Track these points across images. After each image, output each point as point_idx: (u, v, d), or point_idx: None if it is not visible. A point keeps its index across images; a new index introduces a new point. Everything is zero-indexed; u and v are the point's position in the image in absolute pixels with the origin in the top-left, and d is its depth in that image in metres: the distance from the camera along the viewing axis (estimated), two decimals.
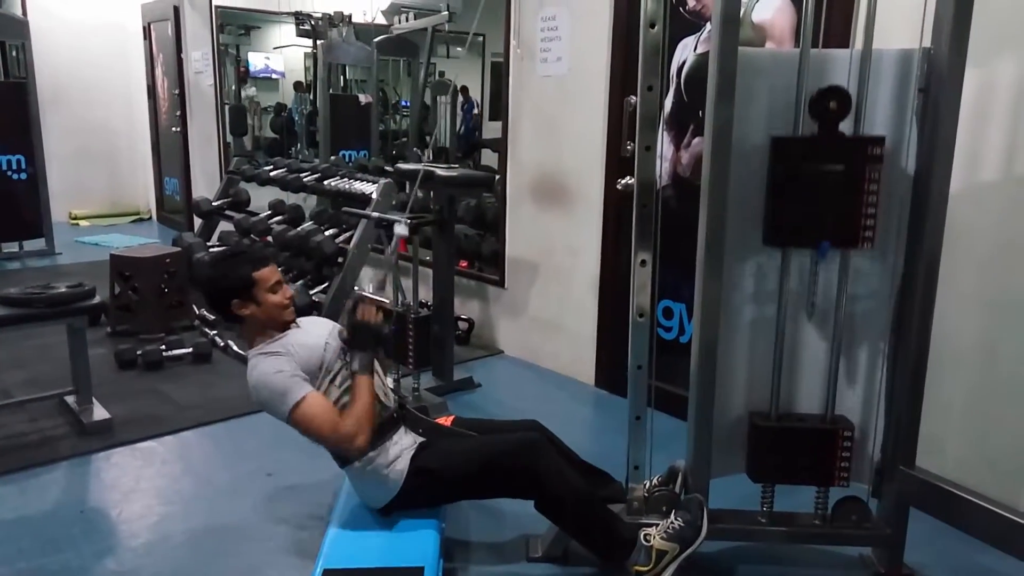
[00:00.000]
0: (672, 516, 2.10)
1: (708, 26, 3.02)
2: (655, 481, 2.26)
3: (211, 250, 5.11)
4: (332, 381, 2.09)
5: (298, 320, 2.22)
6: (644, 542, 2.06)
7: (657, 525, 2.10)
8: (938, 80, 1.92)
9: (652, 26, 1.98)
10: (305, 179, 5.00)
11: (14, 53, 6.64)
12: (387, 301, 2.22)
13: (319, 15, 7.24)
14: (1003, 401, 2.42)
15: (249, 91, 8.39)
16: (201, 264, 4.64)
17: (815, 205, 1.98)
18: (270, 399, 2.01)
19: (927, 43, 1.95)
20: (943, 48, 1.90)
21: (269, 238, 4.88)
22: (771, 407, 2.14)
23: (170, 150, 7.75)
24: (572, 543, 2.23)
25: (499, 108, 4.19)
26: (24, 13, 6.88)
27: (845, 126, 1.96)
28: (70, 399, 3.22)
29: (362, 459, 2.09)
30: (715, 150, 1.97)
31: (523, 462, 2.09)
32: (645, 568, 2.04)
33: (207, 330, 4.29)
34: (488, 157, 5.93)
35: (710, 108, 1.96)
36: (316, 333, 2.17)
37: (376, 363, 2.18)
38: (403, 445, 2.14)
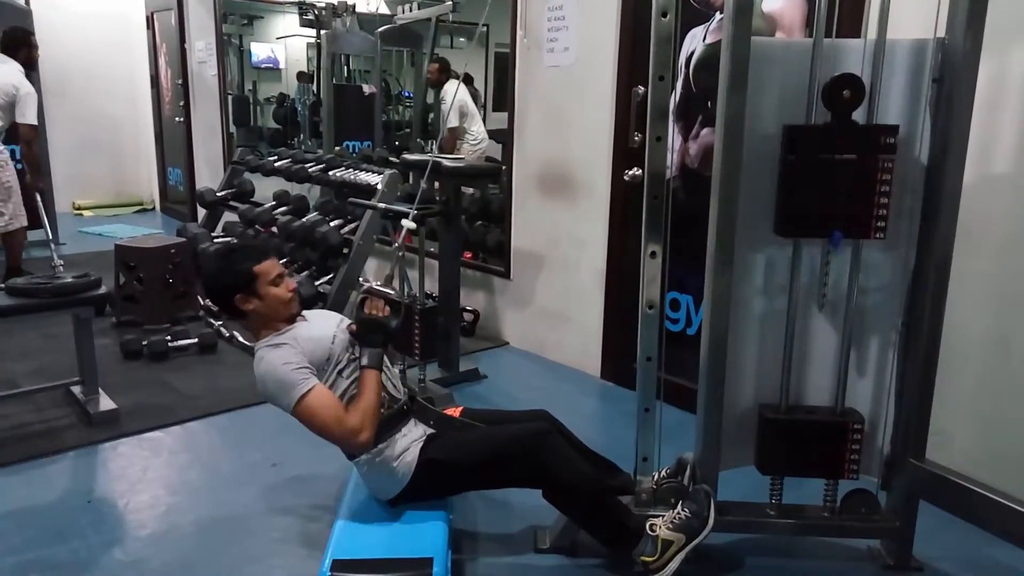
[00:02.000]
0: (679, 507, 2.10)
1: (717, 16, 3.00)
2: (663, 473, 2.26)
3: (215, 242, 5.10)
4: (340, 374, 2.08)
5: (304, 313, 2.21)
6: (650, 532, 2.06)
7: (664, 515, 2.10)
8: (952, 71, 1.91)
9: (664, 15, 1.96)
10: (310, 169, 4.99)
11: None
12: (393, 294, 2.21)
13: (323, 5, 7.22)
14: (1014, 394, 2.41)
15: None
16: (205, 259, 4.63)
17: (827, 194, 1.97)
18: (276, 391, 2.00)
19: (941, 33, 1.93)
20: (958, 38, 1.88)
21: (274, 229, 4.87)
22: (780, 399, 2.14)
23: (174, 140, 7.73)
24: (580, 534, 2.23)
25: (503, 99, 4.17)
26: (27, 2, 6.85)
27: (858, 115, 1.94)
28: (76, 389, 3.22)
29: (371, 451, 2.08)
30: (727, 140, 1.95)
31: (532, 452, 2.09)
32: (651, 558, 2.04)
33: (212, 320, 4.29)
34: (493, 148, 5.92)
35: (722, 98, 1.95)
36: (323, 326, 2.16)
37: (384, 356, 2.17)
38: (412, 437, 2.14)
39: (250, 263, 2.10)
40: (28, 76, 4.85)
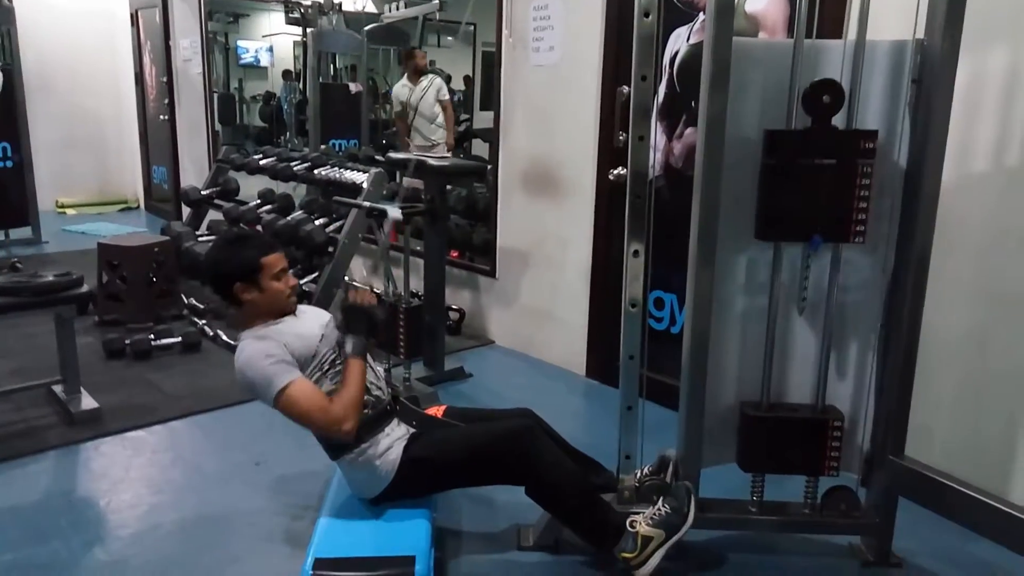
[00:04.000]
0: (660, 503, 2.10)
1: (701, 16, 3.01)
2: (646, 470, 2.26)
3: (199, 241, 5.08)
4: (324, 373, 2.08)
5: (298, 308, 2.21)
6: (630, 528, 2.06)
7: (643, 512, 2.10)
8: (931, 72, 1.93)
9: (646, 15, 1.96)
10: (295, 168, 4.97)
11: None
12: (379, 290, 2.22)
13: (309, 3, 7.19)
14: (992, 391, 2.44)
15: None
16: (212, 244, 4.59)
17: (807, 199, 1.98)
18: (256, 383, 1.99)
19: (920, 34, 1.95)
20: (936, 39, 1.90)
21: (259, 227, 4.85)
22: (762, 397, 2.15)
23: (158, 138, 7.68)
24: (564, 532, 2.23)
25: (491, 98, 4.17)
26: None
27: (838, 119, 1.96)
28: (58, 388, 3.19)
29: (355, 450, 2.08)
30: (708, 140, 1.97)
31: (516, 448, 2.09)
32: (631, 554, 2.04)
33: (196, 319, 4.26)
34: (479, 147, 5.92)
35: (704, 98, 1.96)
36: (311, 323, 2.16)
37: (369, 356, 2.17)
38: (395, 436, 2.14)
39: (257, 253, 2.09)
40: None
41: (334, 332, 2.14)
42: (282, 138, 8.77)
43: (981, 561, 2.25)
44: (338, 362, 2.09)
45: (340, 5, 6.99)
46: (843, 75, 1.96)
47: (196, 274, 4.40)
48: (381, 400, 2.16)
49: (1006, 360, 2.39)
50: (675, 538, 2.05)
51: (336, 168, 4.63)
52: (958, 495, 1.98)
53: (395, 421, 2.17)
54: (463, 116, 7.18)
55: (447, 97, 5.86)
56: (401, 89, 5.87)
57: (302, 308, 2.26)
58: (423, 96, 5.77)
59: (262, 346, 2.01)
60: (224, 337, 3.96)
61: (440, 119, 5.83)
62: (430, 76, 5.88)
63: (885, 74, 2.00)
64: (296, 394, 1.96)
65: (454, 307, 4.34)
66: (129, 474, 2.71)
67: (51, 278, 3.00)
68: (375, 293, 2.23)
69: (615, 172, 2.21)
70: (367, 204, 3.39)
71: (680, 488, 2.12)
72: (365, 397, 2.07)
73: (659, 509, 2.08)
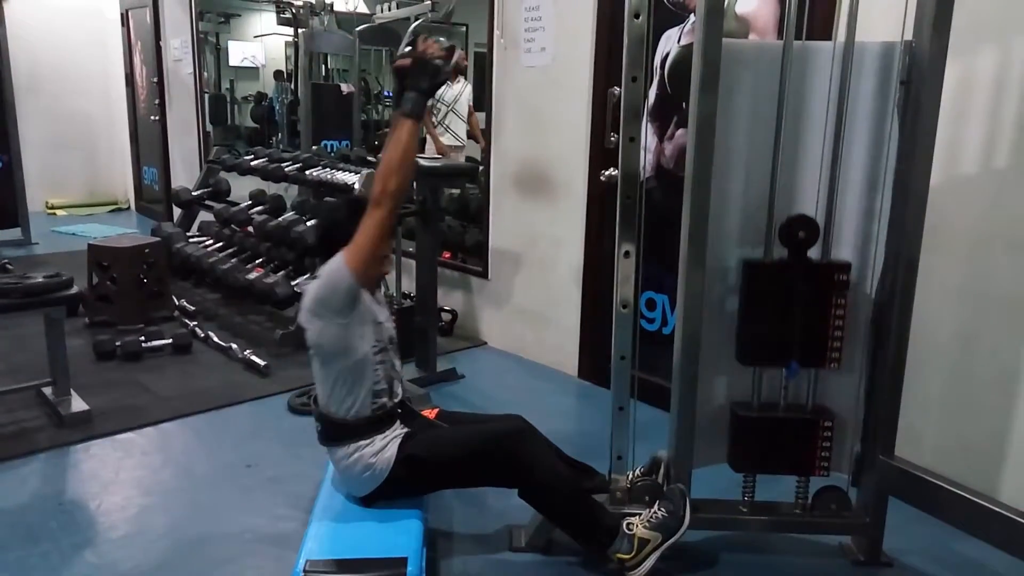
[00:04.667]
0: (655, 506, 2.11)
1: (692, 17, 3.02)
2: (638, 471, 2.27)
3: (190, 242, 5.05)
4: (371, 345, 2.06)
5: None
6: (627, 531, 2.07)
7: (640, 514, 2.11)
8: (919, 73, 1.94)
9: (636, 16, 1.97)
10: (287, 169, 4.96)
11: None
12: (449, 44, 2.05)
13: (300, 3, 7.17)
14: (980, 392, 2.45)
15: None
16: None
17: (785, 327, 2.05)
18: (322, 282, 2.00)
19: (909, 36, 1.96)
20: (925, 41, 1.91)
21: (250, 228, 4.84)
22: (753, 397, 2.16)
23: (149, 139, 7.65)
24: (555, 533, 2.23)
25: (483, 99, 4.17)
26: None
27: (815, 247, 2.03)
28: (47, 390, 3.17)
29: (350, 447, 2.08)
30: (699, 141, 1.97)
31: (510, 449, 2.10)
32: (627, 556, 2.05)
33: (187, 321, 4.25)
34: (472, 148, 5.92)
35: (694, 99, 1.96)
36: (381, 306, 2.17)
37: (396, 360, 2.17)
38: (390, 435, 2.13)
39: None
40: None
41: (393, 327, 2.16)
42: (274, 139, 8.75)
43: (971, 560, 2.26)
44: (386, 353, 2.11)
45: (332, 6, 6.97)
46: (832, 77, 1.97)
47: (195, 275, 4.34)
48: (393, 399, 2.16)
49: (994, 361, 2.41)
50: (671, 541, 2.06)
51: (328, 169, 4.63)
52: (948, 494, 2.00)
53: (397, 423, 2.17)
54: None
55: (471, 101, 5.83)
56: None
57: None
58: (459, 96, 5.76)
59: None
60: (215, 338, 3.95)
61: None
62: (461, 78, 5.89)
63: (874, 76, 2.01)
64: (351, 246, 1.96)
65: (446, 308, 4.34)
66: (119, 476, 2.70)
67: (41, 279, 2.99)
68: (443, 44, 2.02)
69: (606, 173, 2.22)
70: None
71: (675, 491, 2.12)
72: (385, 387, 2.10)
73: (656, 512, 2.09)
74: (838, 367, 2.07)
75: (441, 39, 2.02)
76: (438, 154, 5.36)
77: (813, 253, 2.04)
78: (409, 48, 2.01)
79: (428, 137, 5.81)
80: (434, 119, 5.71)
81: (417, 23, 2.00)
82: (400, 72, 2.02)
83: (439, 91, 2.27)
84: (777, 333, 2.06)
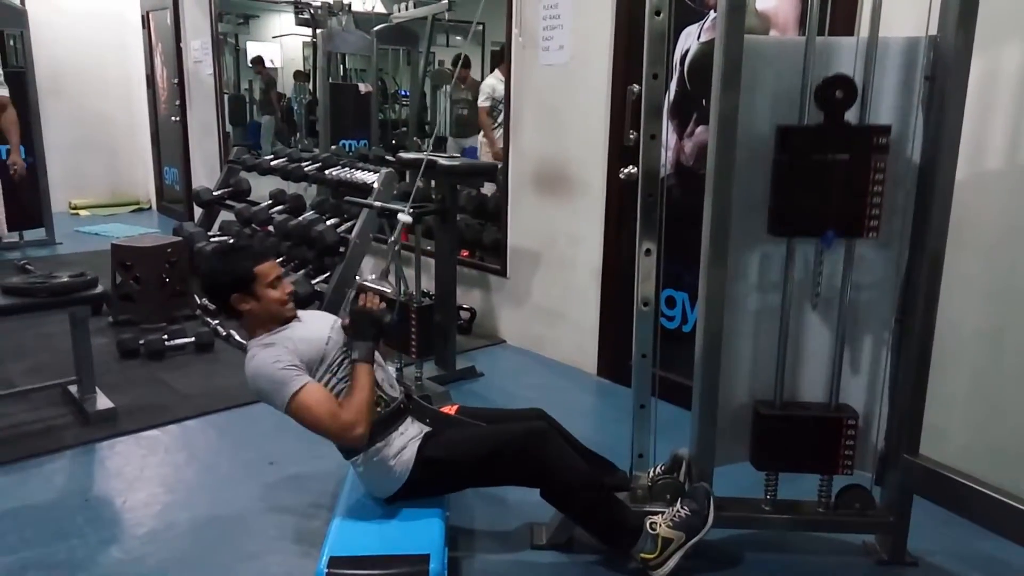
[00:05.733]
0: (679, 504, 2.11)
1: (712, 14, 3.01)
2: (659, 469, 2.26)
3: (211, 241, 5.10)
4: (333, 374, 2.08)
5: (300, 313, 2.21)
6: (650, 530, 2.07)
7: (663, 513, 2.11)
8: (944, 68, 1.92)
9: (657, 13, 1.96)
10: (306, 168, 4.99)
11: (12, 42, 6.60)
12: (389, 290, 2.21)
13: (319, 4, 7.22)
14: (1007, 389, 2.42)
15: None
16: (202, 256, 4.63)
17: (820, 195, 1.98)
18: (267, 389, 2.00)
19: (933, 31, 1.94)
20: (949, 36, 1.89)
21: (270, 228, 4.87)
22: (775, 395, 2.15)
23: (170, 140, 7.72)
24: (577, 531, 2.24)
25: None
26: (22, 2, 6.84)
27: (851, 114, 1.95)
28: (73, 388, 3.22)
29: (369, 450, 2.08)
30: (720, 138, 1.96)
31: (530, 450, 2.09)
32: (651, 555, 2.05)
33: (209, 319, 4.29)
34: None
35: (715, 96, 1.95)
36: (317, 327, 2.16)
37: (378, 354, 2.17)
38: (409, 435, 2.14)
39: (249, 263, 2.10)
40: None
41: (341, 333, 2.14)
42: (293, 139, 8.80)
43: (997, 559, 2.24)
44: (347, 363, 2.10)
45: (350, 6, 7.01)
46: (856, 72, 1.95)
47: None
48: (393, 399, 2.17)
49: (1020, 357, 2.38)
50: (695, 540, 2.06)
51: (347, 168, 4.65)
52: (974, 493, 1.97)
53: (409, 420, 2.18)
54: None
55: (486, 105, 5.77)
56: (498, 84, 5.47)
57: (306, 313, 2.26)
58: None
59: (270, 353, 2.02)
60: (237, 337, 3.98)
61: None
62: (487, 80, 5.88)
63: (898, 71, 1.99)
64: (307, 400, 1.97)
65: (465, 306, 4.35)
66: (144, 473, 2.73)
67: (66, 279, 3.03)
68: (386, 293, 2.22)
69: (625, 171, 2.21)
70: (378, 204, 3.40)
71: (699, 490, 2.12)
72: (377, 394, 2.08)
73: (679, 511, 2.08)
74: (876, 236, 1.98)
75: (384, 287, 2.21)
76: (494, 160, 5.09)
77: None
78: (352, 306, 2.17)
79: (485, 140, 5.76)
80: (493, 120, 5.55)
81: (362, 281, 2.16)
82: (347, 329, 2.13)
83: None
84: (813, 201, 1.97)
